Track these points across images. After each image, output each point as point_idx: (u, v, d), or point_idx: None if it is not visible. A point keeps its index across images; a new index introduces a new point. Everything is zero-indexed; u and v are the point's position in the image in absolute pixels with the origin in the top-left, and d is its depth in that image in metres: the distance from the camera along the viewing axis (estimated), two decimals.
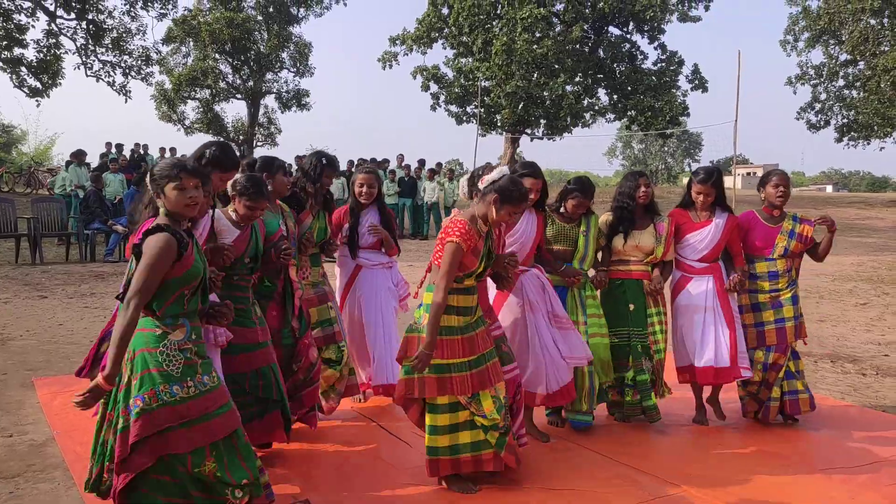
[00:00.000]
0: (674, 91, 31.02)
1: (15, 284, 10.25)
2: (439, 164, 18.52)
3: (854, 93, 35.43)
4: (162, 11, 24.40)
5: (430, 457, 3.81)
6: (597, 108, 32.90)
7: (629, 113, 31.57)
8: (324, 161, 4.99)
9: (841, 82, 36.11)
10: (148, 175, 3.17)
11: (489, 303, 4.37)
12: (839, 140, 36.30)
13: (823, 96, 36.64)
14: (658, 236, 4.93)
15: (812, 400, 5.12)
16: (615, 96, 32.17)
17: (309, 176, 4.97)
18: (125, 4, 23.48)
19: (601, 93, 33.13)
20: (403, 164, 18.28)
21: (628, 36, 32.24)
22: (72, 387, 5.40)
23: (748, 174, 72.84)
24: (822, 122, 36.78)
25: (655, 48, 32.01)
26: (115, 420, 3.05)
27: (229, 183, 4.07)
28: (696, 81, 32.27)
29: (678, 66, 32.02)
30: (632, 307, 4.96)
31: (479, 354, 3.85)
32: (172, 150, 19.53)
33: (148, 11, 24.11)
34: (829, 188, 67.89)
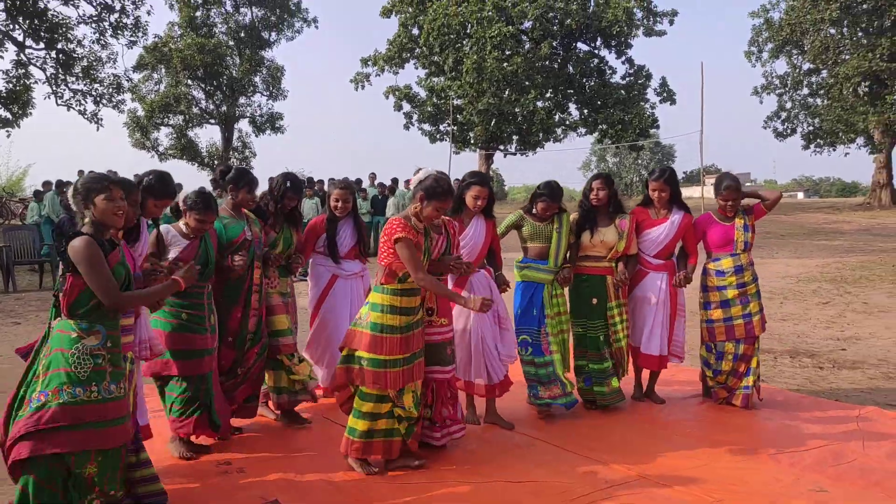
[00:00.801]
0: (642, 104, 31.54)
1: None
2: (395, 180, 18.64)
3: (818, 101, 36.26)
4: (132, 39, 24.35)
5: (348, 436, 4.18)
6: (568, 122, 33.41)
7: (600, 126, 32.07)
8: (287, 184, 5.20)
9: (805, 91, 37.04)
10: (71, 189, 3.34)
11: (448, 304, 4.59)
12: (806, 147, 37.13)
13: (789, 105, 37.53)
14: (620, 232, 5.29)
15: (751, 398, 5.47)
16: (585, 111, 32.66)
17: (273, 195, 5.19)
18: (94, 33, 23.43)
19: (572, 108, 33.66)
20: (376, 183, 18.49)
21: (596, 51, 32.82)
22: None
23: None
24: (788, 131, 37.61)
25: (623, 62, 32.67)
26: (20, 402, 3.25)
27: (181, 198, 4.41)
28: (665, 94, 32.90)
29: (646, 79, 32.64)
30: (594, 301, 5.34)
31: (411, 353, 4.17)
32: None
33: (118, 39, 24.07)
34: (801, 195, 68.95)
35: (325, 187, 18.91)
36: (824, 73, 34.80)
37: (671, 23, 31.88)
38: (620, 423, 5.25)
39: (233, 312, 4.73)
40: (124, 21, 23.85)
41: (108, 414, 3.21)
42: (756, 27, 36.54)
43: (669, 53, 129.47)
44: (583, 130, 33.40)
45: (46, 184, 16.54)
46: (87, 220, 3.28)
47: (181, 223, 4.42)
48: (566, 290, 5.38)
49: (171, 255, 4.31)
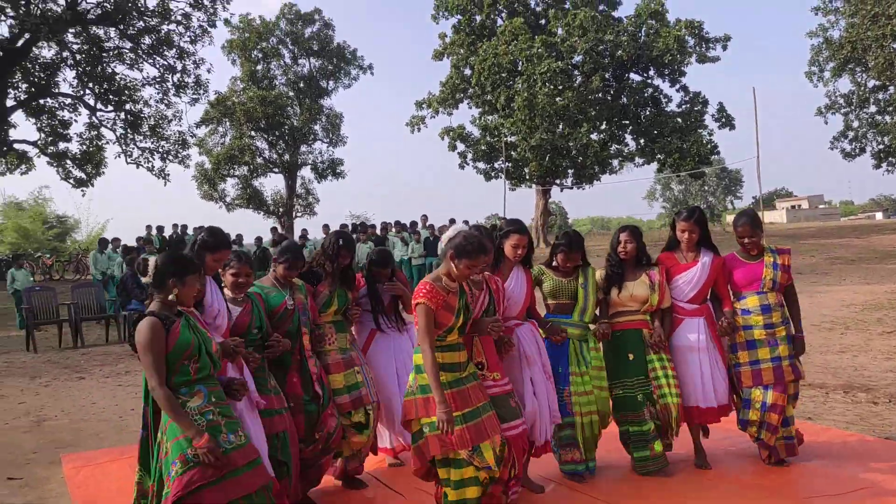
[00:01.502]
0: (700, 131, 31.09)
1: (56, 368, 10.74)
2: (452, 220, 18.93)
3: (887, 118, 35.06)
4: (194, 97, 25.39)
5: None
6: (624, 153, 33.17)
7: (657, 156, 31.71)
8: (340, 242, 5.13)
9: (872, 108, 35.82)
10: (151, 266, 3.56)
11: (497, 359, 4.41)
12: (877, 166, 35.82)
13: (856, 124, 36.35)
14: (651, 284, 4.99)
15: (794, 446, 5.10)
16: (642, 141, 32.38)
17: (327, 254, 5.10)
18: (158, 93, 24.58)
19: (628, 138, 33.43)
20: (427, 225, 18.67)
21: (650, 81, 32.60)
22: (97, 461, 5.78)
23: (793, 207, 71.95)
24: (857, 150, 36.41)
25: (678, 90, 32.32)
26: (158, 490, 3.37)
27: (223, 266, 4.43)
28: (723, 119, 32.34)
29: (703, 105, 32.20)
30: (631, 357, 4.97)
31: (473, 407, 3.96)
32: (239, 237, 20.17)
33: (181, 97, 25.18)
34: (879, 215, 66.31)
35: (379, 231, 19.26)
36: (892, 90, 33.70)
37: (724, 48, 31.53)
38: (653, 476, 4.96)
39: (288, 378, 4.65)
40: (186, 80, 24.91)
41: (238, 461, 3.35)
42: (815, 47, 35.67)
43: (726, 78, 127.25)
44: (640, 161, 33.03)
45: (115, 240, 17.31)
46: (157, 298, 3.48)
47: (226, 290, 4.43)
48: (601, 345, 5.03)
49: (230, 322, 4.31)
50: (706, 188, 77.93)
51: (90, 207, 75.30)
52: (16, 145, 24.55)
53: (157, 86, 24.59)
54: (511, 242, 4.70)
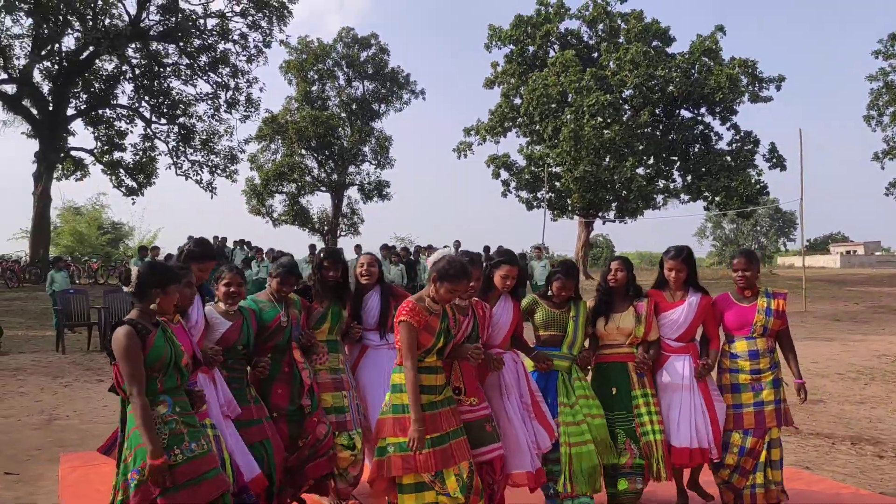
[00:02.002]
0: (749, 171, 30.66)
1: (79, 369, 11.06)
2: (486, 248, 19.12)
3: None
4: (245, 114, 26.09)
5: None
6: (671, 189, 32.87)
7: (704, 194, 31.36)
8: (322, 255, 5.26)
9: None
10: (134, 276, 3.60)
11: (477, 384, 4.42)
12: None
13: None
14: (638, 316, 4.96)
15: (758, 497, 4.93)
16: (689, 177, 32.07)
17: (313, 269, 5.26)
18: (210, 109, 25.34)
19: (675, 174, 33.15)
20: (459, 251, 18.78)
21: (700, 118, 32.34)
22: (93, 462, 5.90)
23: (847, 252, 69.98)
24: None
25: (728, 129, 32.00)
26: (115, 495, 3.46)
27: (215, 278, 4.60)
28: (774, 160, 31.84)
29: (754, 145, 31.78)
30: (614, 391, 4.94)
31: (442, 433, 3.98)
32: (248, 243, 20.71)
33: (232, 114, 25.91)
34: None
35: (413, 254, 19.42)
36: None
37: (778, 88, 31.13)
38: None
39: (273, 389, 4.74)
40: (237, 98, 25.63)
41: (199, 469, 3.41)
42: (875, 91, 35.01)
43: (780, 118, 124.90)
44: (685, 197, 32.68)
45: (154, 249, 17.85)
46: (137, 307, 3.55)
47: (219, 304, 4.55)
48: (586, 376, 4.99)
49: (216, 335, 4.42)
50: (758, 228, 76.51)
51: (143, 216, 77.71)
52: (73, 152, 25.55)
53: (209, 102, 25.36)
54: (501, 273, 4.68)
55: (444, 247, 4.39)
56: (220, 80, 25.35)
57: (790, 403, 5.03)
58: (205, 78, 25.16)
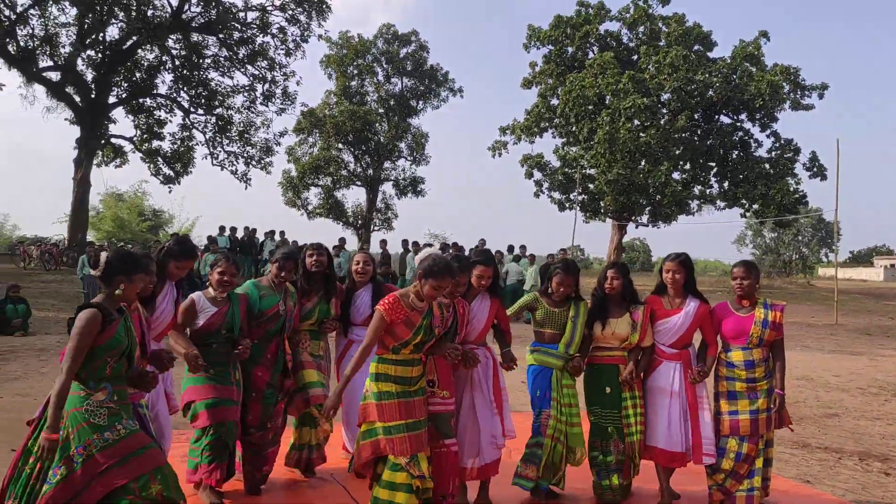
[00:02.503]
0: (787, 179, 30.13)
1: None
2: (510, 247, 19.22)
3: None
4: (282, 107, 26.40)
5: None
6: (706, 195, 32.45)
7: (741, 201, 30.90)
8: (305, 247, 5.49)
9: None
10: (102, 262, 3.70)
11: (450, 377, 4.60)
12: None
13: None
14: (633, 323, 5.07)
15: (755, 499, 5.00)
16: (726, 184, 31.63)
17: (299, 262, 5.42)
18: (246, 101, 25.70)
19: (712, 180, 32.71)
20: (483, 250, 18.83)
21: (740, 124, 31.86)
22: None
23: (892, 265, 68.30)
24: None
25: (768, 136, 31.45)
26: (46, 470, 3.52)
27: (210, 264, 4.87)
28: (815, 169, 31.27)
29: (794, 153, 31.22)
30: (608, 390, 5.08)
31: (416, 420, 4.20)
32: (282, 233, 21.02)
33: (268, 107, 26.25)
34: None
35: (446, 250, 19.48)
36: None
37: (821, 96, 30.53)
38: None
39: (255, 372, 4.97)
40: (274, 90, 25.94)
41: (142, 441, 3.60)
42: None
43: (823, 126, 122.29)
44: (721, 204, 32.22)
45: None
46: (103, 292, 3.67)
47: (210, 289, 4.79)
48: (580, 380, 5.17)
49: (200, 321, 4.66)
50: (800, 238, 75.10)
51: (182, 204, 79.14)
52: (113, 140, 26.12)
53: (246, 94, 25.72)
54: (476, 272, 4.86)
55: (428, 245, 4.49)
56: (257, 72, 25.69)
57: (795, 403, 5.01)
58: (242, 70, 25.54)
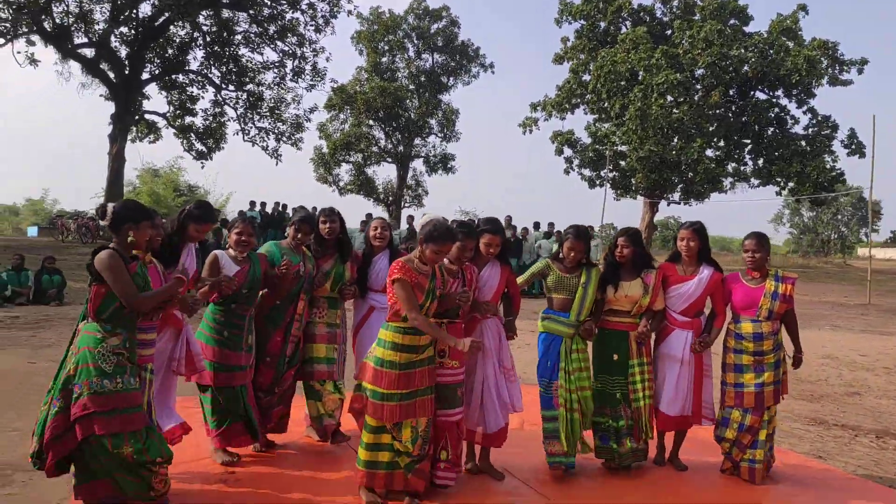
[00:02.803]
0: (823, 157, 29.50)
1: None
2: (536, 224, 19.23)
3: None
4: (311, 83, 26.51)
5: (357, 466, 4.40)
6: (739, 173, 31.93)
7: (775, 178, 30.36)
8: (319, 212, 5.57)
9: None
10: (109, 212, 3.92)
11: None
12: None
13: None
14: (646, 286, 5.12)
15: (758, 472, 5.10)
16: (760, 161, 31.09)
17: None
18: (276, 77, 25.85)
19: (746, 158, 32.15)
20: (510, 225, 18.81)
21: (776, 100, 31.21)
22: None
23: None
24: None
25: (805, 112, 30.76)
26: (50, 404, 3.80)
27: (228, 226, 5.07)
28: (853, 147, 30.54)
29: (831, 130, 30.52)
30: (615, 357, 5.14)
31: (413, 389, 4.30)
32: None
33: (298, 83, 26.38)
34: None
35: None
36: None
37: (860, 72, 29.73)
38: (620, 486, 5.01)
39: (273, 336, 5.14)
40: (303, 67, 26.03)
41: (133, 401, 3.79)
42: None
43: (861, 103, 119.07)
44: (755, 182, 31.68)
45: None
46: (116, 240, 3.89)
47: (230, 249, 4.96)
48: (590, 346, 5.21)
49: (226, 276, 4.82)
50: (839, 217, 73.56)
51: (217, 180, 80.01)
52: (147, 115, 26.49)
53: (275, 70, 25.87)
54: (484, 240, 4.91)
55: (424, 214, 4.62)
56: (287, 48, 25.79)
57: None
58: (272, 46, 25.63)
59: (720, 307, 5.26)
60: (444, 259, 4.56)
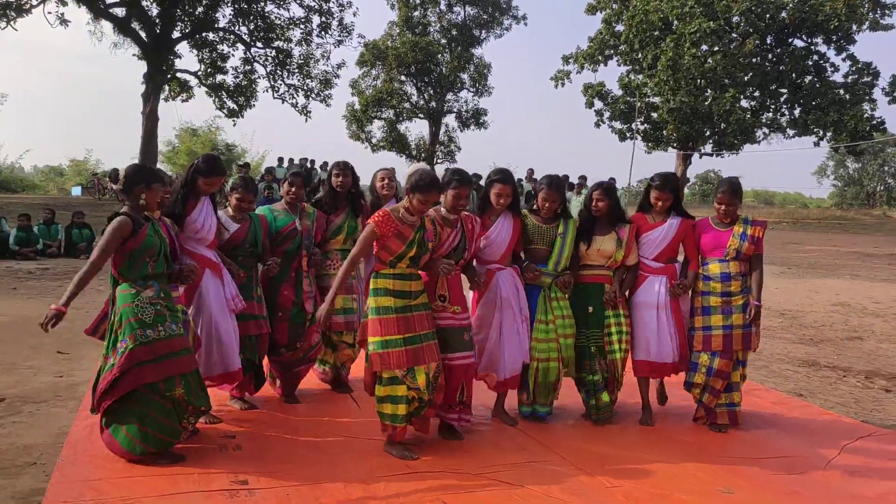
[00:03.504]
0: (862, 106, 28.74)
1: None
2: (582, 177, 19.21)
3: None
4: (339, 38, 26.57)
5: (383, 422, 4.40)
6: (773, 123, 31.29)
7: (812, 128, 29.70)
8: (332, 166, 5.72)
9: None
10: (122, 176, 4.16)
11: (462, 293, 4.76)
12: None
13: None
14: (619, 240, 5.13)
15: (739, 414, 5.19)
16: (797, 111, 30.40)
17: (326, 180, 5.73)
18: (302, 34, 25.96)
19: (783, 108, 31.47)
20: (532, 178, 18.85)
21: (814, 47, 30.38)
22: None
23: None
24: None
25: (844, 59, 29.91)
26: (105, 361, 4.09)
27: (229, 187, 5.22)
28: (895, 94, 29.69)
29: (873, 77, 29.70)
30: (591, 310, 5.15)
31: (415, 334, 4.30)
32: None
33: (323, 38, 26.48)
34: None
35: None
36: None
37: None
38: (597, 428, 5.13)
39: (281, 290, 5.29)
40: (329, 22, 26.09)
41: (176, 346, 4.04)
42: None
43: None
44: (791, 132, 31.04)
45: (245, 165, 18.89)
46: (128, 203, 4.12)
47: (230, 209, 5.15)
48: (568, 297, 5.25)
49: (226, 235, 5.03)
50: (885, 168, 71.44)
51: (253, 139, 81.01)
52: (179, 74, 26.90)
53: (301, 26, 25.96)
54: (494, 191, 4.91)
55: (412, 164, 4.69)
56: (313, 3, 25.85)
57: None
58: (298, 1, 25.74)
59: (693, 252, 5.25)
60: (442, 209, 4.59)
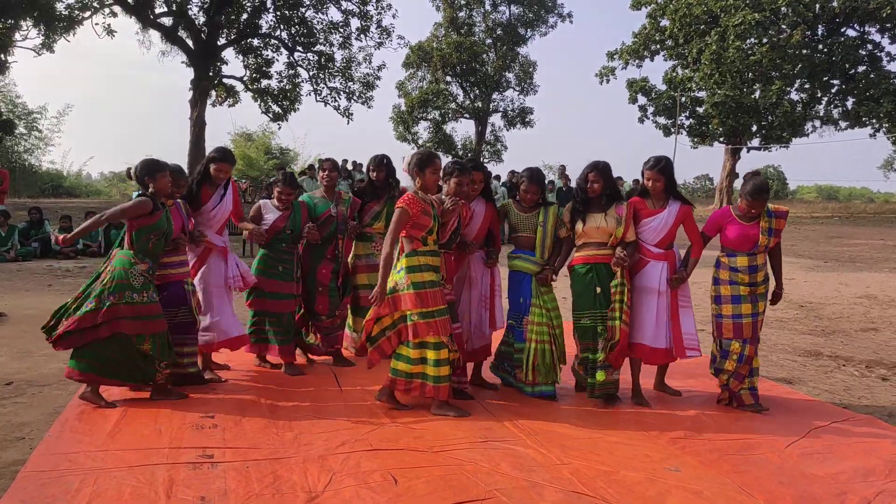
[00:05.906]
0: None
1: None
2: (617, 179, 19.16)
3: None
4: (379, 41, 26.97)
5: (391, 375, 4.96)
6: (830, 115, 30.41)
7: (863, 120, 28.80)
8: (369, 162, 6.42)
9: None
10: (136, 169, 5.02)
11: (453, 271, 5.31)
12: None
13: None
14: (618, 217, 5.22)
15: (757, 395, 5.36)
16: (849, 103, 29.52)
17: (366, 173, 6.52)
18: (340, 38, 26.43)
19: (834, 99, 30.58)
20: (564, 175, 18.83)
21: (867, 37, 29.46)
22: None
23: None
24: None
25: None
26: (82, 301, 4.83)
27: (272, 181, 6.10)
28: None
29: None
30: (598, 290, 5.24)
31: (442, 307, 4.83)
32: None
33: (362, 41, 26.93)
34: None
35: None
36: None
37: None
38: (571, 416, 5.30)
39: (320, 268, 6.06)
40: (367, 25, 26.49)
41: (154, 311, 4.89)
42: None
43: None
44: (843, 125, 30.14)
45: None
46: (150, 189, 4.96)
47: (274, 200, 5.91)
48: (555, 287, 5.50)
49: (269, 220, 5.80)
50: None
51: (305, 143, 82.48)
52: (225, 80, 27.66)
53: (340, 30, 26.43)
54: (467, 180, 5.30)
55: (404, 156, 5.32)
56: (353, 6, 26.29)
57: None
58: (337, 5, 26.17)
59: (695, 237, 5.33)
60: (444, 197, 5.01)
